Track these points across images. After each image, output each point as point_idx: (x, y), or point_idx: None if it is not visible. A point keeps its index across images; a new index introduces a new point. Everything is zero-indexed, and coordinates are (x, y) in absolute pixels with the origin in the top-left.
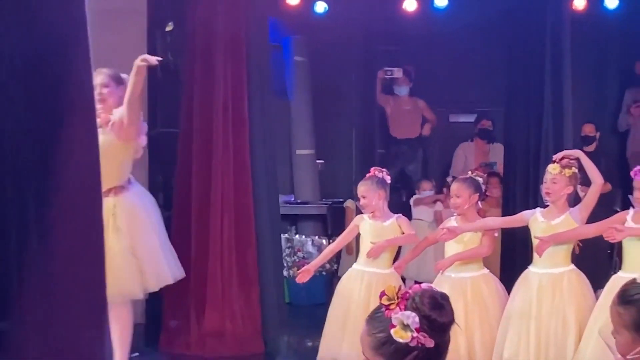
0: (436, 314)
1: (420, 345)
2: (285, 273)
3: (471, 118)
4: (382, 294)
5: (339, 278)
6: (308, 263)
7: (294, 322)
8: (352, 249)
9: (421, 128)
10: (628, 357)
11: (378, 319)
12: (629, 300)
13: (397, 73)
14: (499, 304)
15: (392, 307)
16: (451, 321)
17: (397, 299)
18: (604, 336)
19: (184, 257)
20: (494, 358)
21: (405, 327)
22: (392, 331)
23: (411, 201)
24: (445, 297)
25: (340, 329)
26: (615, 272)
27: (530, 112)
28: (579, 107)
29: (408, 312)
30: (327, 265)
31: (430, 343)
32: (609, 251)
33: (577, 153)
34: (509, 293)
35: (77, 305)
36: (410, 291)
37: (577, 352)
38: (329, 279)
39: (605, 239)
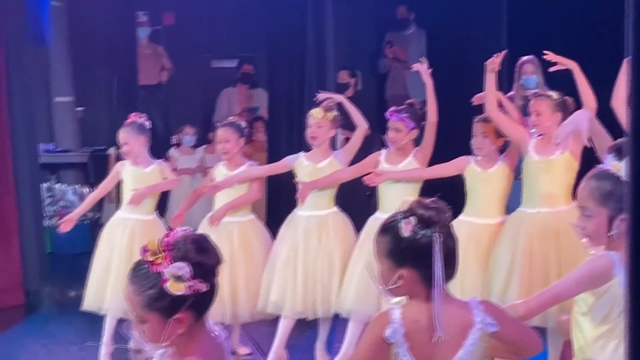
0: (205, 258)
1: (195, 292)
2: (46, 223)
3: (233, 63)
4: (145, 249)
5: (102, 226)
6: (70, 212)
7: (56, 272)
8: (113, 197)
9: (160, 75)
10: (388, 286)
11: (143, 276)
12: (386, 228)
13: (143, 17)
14: (265, 249)
15: (158, 261)
16: (219, 261)
17: (161, 252)
18: (370, 270)
19: None
20: (260, 303)
21: (178, 278)
22: (166, 285)
23: (170, 152)
24: (206, 238)
25: (104, 277)
26: (373, 214)
27: (292, 57)
28: (340, 52)
29: (179, 264)
30: (90, 214)
31: (204, 287)
32: (367, 193)
33: (340, 98)
34: (274, 237)
35: None
36: (169, 240)
37: (340, 291)
38: (91, 227)
39: (366, 183)
